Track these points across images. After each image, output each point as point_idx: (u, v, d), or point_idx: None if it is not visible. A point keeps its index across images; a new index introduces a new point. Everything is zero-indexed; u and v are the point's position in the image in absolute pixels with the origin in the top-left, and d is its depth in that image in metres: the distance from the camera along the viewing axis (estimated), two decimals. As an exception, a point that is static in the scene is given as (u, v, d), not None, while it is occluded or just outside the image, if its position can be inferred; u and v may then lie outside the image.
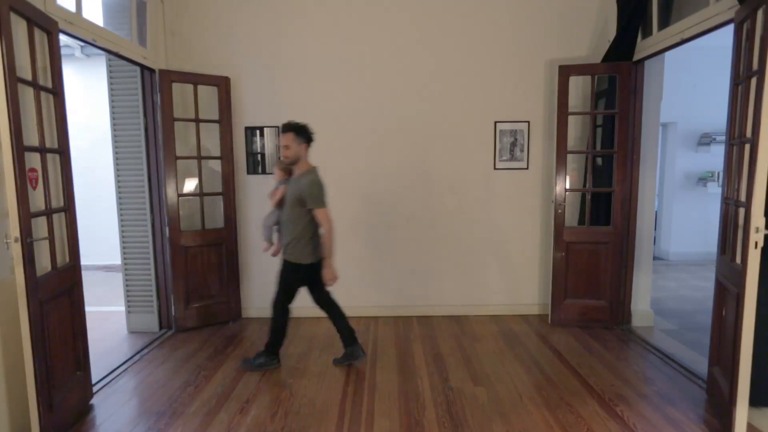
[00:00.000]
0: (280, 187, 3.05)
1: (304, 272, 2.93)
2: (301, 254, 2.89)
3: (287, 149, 2.85)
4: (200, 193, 3.80)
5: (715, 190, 6.09)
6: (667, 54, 3.36)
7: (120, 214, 3.72)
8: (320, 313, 4.10)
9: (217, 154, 3.86)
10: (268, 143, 3.96)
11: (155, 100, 3.60)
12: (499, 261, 4.08)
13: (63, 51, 4.82)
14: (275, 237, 3.16)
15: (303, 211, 2.83)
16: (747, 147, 2.24)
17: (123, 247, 3.74)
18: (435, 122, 3.96)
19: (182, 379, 2.94)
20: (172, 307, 3.76)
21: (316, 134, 3.91)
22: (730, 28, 2.52)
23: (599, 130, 3.75)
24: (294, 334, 3.70)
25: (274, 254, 3.16)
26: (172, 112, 3.60)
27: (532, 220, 4.03)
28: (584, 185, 3.81)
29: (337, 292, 4.07)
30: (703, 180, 6.23)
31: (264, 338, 3.59)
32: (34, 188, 2.29)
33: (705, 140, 6.15)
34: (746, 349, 2.16)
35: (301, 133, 2.86)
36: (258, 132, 3.95)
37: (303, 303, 4.10)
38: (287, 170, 3.00)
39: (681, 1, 3.16)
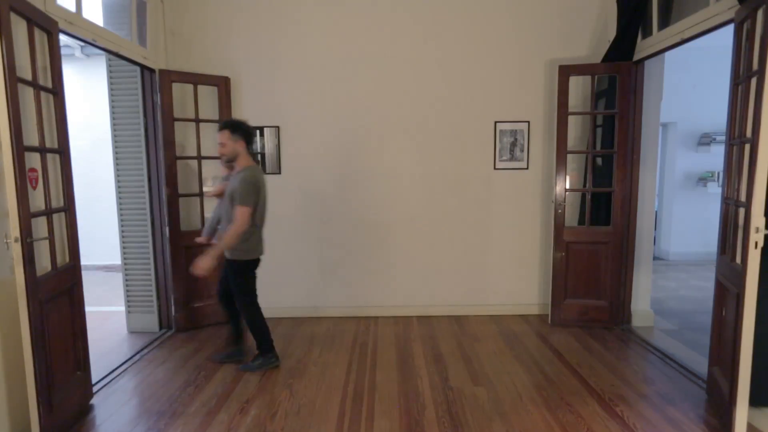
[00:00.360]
0: (222, 183, 3.05)
1: (245, 268, 2.92)
2: (244, 251, 2.88)
3: (223, 147, 2.85)
4: (200, 193, 3.80)
5: (715, 190, 6.09)
6: (667, 54, 3.36)
7: (120, 214, 3.72)
8: (320, 312, 4.12)
9: (217, 153, 3.85)
10: (268, 143, 3.96)
11: (155, 100, 3.60)
12: (499, 261, 4.08)
13: (63, 51, 4.82)
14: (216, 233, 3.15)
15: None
16: (747, 147, 2.24)
17: (123, 247, 3.74)
18: (435, 122, 3.96)
19: (182, 379, 2.94)
20: (172, 307, 3.75)
21: (317, 133, 3.95)
22: (730, 28, 2.52)
23: (599, 130, 3.75)
24: (294, 334, 3.70)
25: (199, 242, 3.17)
26: (172, 112, 3.60)
27: (531, 220, 4.04)
28: (584, 185, 3.81)
29: (338, 291, 4.10)
30: (703, 180, 6.23)
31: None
32: (34, 188, 2.29)
33: (705, 140, 6.15)
34: (746, 349, 2.16)
35: (237, 130, 2.85)
36: (258, 132, 3.95)
37: (302, 303, 4.12)
38: (231, 167, 2.97)
39: (681, 1, 3.16)
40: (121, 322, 3.89)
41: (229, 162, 2.92)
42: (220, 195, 3.02)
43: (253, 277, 2.99)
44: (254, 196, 2.80)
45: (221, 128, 2.85)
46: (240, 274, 2.93)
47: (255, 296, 3.02)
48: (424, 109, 3.94)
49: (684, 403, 2.59)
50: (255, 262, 2.96)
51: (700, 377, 2.86)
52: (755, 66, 2.20)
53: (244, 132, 2.87)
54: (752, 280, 2.13)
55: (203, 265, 2.75)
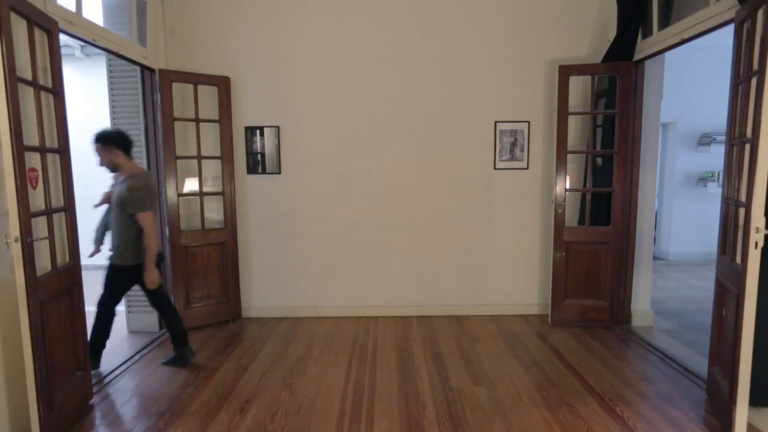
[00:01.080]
0: (109, 190, 3.06)
1: (126, 274, 2.94)
2: (122, 257, 2.91)
3: (102, 159, 2.89)
4: (200, 192, 3.80)
5: (714, 190, 6.09)
6: (667, 54, 3.36)
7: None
8: (320, 312, 4.13)
9: (217, 153, 3.86)
10: (267, 143, 3.96)
11: (155, 99, 3.60)
12: (499, 261, 4.08)
13: (63, 51, 4.82)
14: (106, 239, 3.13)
15: (124, 215, 2.85)
16: (747, 147, 2.24)
17: (123, 247, 3.74)
18: (435, 122, 3.95)
19: (182, 379, 2.94)
20: (172, 306, 3.75)
21: (317, 133, 3.95)
22: (730, 28, 2.52)
23: (599, 130, 3.75)
24: (294, 333, 3.70)
25: (91, 255, 3.13)
26: (172, 112, 3.60)
27: (532, 220, 4.03)
28: (584, 185, 3.81)
29: (338, 291, 4.10)
30: (703, 180, 6.23)
31: (262, 339, 3.61)
32: (34, 188, 2.29)
33: (705, 140, 6.15)
34: (746, 349, 2.16)
35: (108, 141, 2.85)
36: (258, 132, 3.95)
37: (302, 303, 4.12)
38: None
39: (681, 1, 3.16)
40: (121, 321, 3.86)
41: (114, 171, 2.95)
42: (107, 202, 3.05)
43: (125, 287, 3.06)
44: (150, 201, 2.85)
45: (93, 141, 2.86)
46: (116, 276, 2.96)
47: (117, 303, 3.07)
48: (424, 109, 3.94)
49: (684, 403, 2.59)
50: (131, 269, 2.96)
51: (700, 377, 2.86)
52: (755, 66, 2.20)
53: (115, 141, 2.87)
54: (752, 280, 2.13)
55: (150, 278, 2.88)
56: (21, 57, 2.19)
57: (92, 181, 5.60)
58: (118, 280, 2.98)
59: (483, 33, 3.87)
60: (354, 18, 3.86)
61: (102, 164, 2.90)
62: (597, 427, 2.35)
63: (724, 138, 3.08)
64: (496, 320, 3.98)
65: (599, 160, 3.76)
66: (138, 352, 3.37)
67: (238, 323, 3.97)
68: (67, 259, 2.52)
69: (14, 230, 2.06)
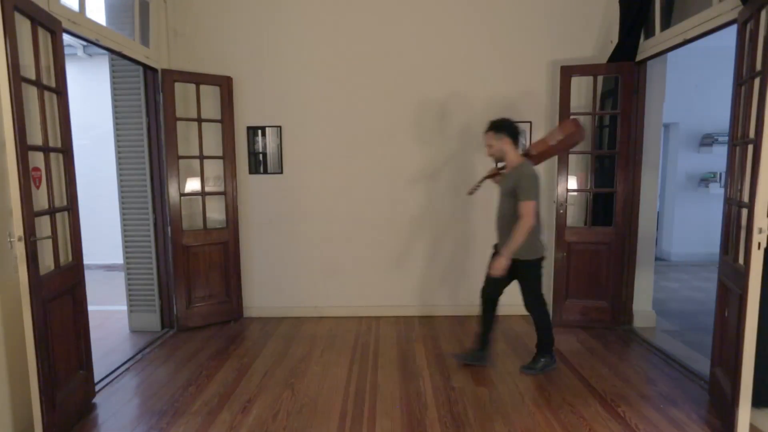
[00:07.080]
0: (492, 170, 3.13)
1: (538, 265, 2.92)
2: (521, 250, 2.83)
3: (490, 148, 2.93)
4: (202, 192, 3.81)
5: (716, 191, 6.08)
6: (670, 54, 3.36)
7: (122, 214, 3.73)
8: (322, 312, 4.12)
9: (219, 153, 3.86)
10: (269, 143, 3.97)
11: (158, 99, 3.60)
12: (500, 261, 4.07)
13: (65, 50, 4.83)
14: None
15: (514, 204, 2.81)
16: (750, 148, 2.24)
17: (125, 247, 3.75)
18: (437, 121, 3.95)
19: (184, 379, 2.94)
20: (174, 306, 3.76)
21: (319, 133, 3.95)
22: (733, 29, 2.51)
23: (606, 131, 3.74)
24: (295, 333, 3.71)
25: None
26: (175, 112, 3.61)
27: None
28: (588, 186, 3.80)
29: (339, 291, 4.10)
30: (705, 181, 6.22)
31: (264, 339, 3.61)
32: (38, 187, 2.30)
33: (707, 141, 6.14)
34: (749, 350, 2.16)
35: (500, 129, 2.87)
36: (260, 131, 3.96)
37: (303, 302, 4.12)
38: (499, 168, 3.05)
39: (684, 2, 3.16)
40: (123, 321, 3.90)
41: (500, 161, 2.95)
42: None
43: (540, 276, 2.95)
44: (535, 190, 2.74)
45: (487, 130, 2.90)
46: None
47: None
48: (425, 109, 3.94)
49: (686, 403, 2.59)
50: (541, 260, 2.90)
51: (702, 378, 2.86)
52: (758, 67, 2.20)
53: (506, 129, 2.86)
54: (755, 281, 2.13)
55: (495, 265, 2.82)
56: (25, 56, 2.20)
57: (95, 181, 5.63)
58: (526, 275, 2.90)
59: (485, 32, 3.86)
60: (356, 18, 3.86)
61: (490, 153, 2.91)
62: (599, 428, 2.35)
63: (726, 139, 3.06)
64: (498, 320, 3.97)
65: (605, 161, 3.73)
66: (140, 351, 3.37)
67: (240, 323, 3.97)
68: (70, 258, 2.52)
69: (18, 229, 2.07)
